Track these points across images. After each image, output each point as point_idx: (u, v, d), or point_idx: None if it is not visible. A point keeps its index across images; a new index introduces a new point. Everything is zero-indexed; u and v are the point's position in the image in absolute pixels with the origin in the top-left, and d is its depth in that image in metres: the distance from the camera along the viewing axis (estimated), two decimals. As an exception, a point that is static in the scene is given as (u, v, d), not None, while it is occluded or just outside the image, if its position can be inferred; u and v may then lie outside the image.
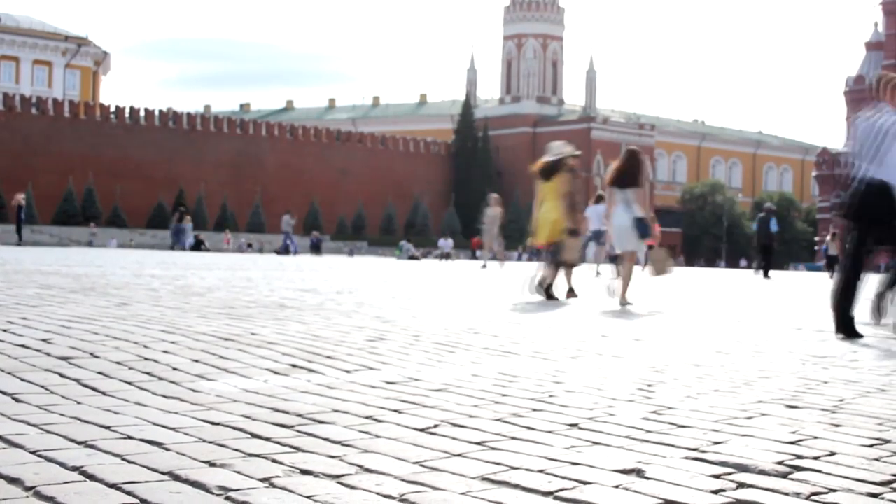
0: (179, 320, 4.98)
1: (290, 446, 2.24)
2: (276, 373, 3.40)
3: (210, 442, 2.25)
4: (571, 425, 2.62)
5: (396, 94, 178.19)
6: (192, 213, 62.98)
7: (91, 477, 1.89)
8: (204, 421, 2.49)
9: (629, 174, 8.84)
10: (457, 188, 79.23)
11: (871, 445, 2.50)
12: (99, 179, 60.88)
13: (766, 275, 23.65)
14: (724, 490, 1.99)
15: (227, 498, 1.79)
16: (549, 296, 8.97)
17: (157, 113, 68.54)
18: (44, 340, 3.88)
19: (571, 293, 9.37)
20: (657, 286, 11.23)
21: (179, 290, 7.72)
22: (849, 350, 5.11)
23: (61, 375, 3.11)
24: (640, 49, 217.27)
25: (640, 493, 1.95)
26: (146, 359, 3.53)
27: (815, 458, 2.31)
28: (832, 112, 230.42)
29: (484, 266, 23.36)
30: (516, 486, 1.96)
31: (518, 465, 2.13)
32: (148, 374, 3.23)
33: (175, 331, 4.44)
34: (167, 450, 2.15)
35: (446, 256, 47.20)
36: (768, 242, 23.79)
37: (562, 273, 9.41)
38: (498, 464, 2.14)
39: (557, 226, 9.19)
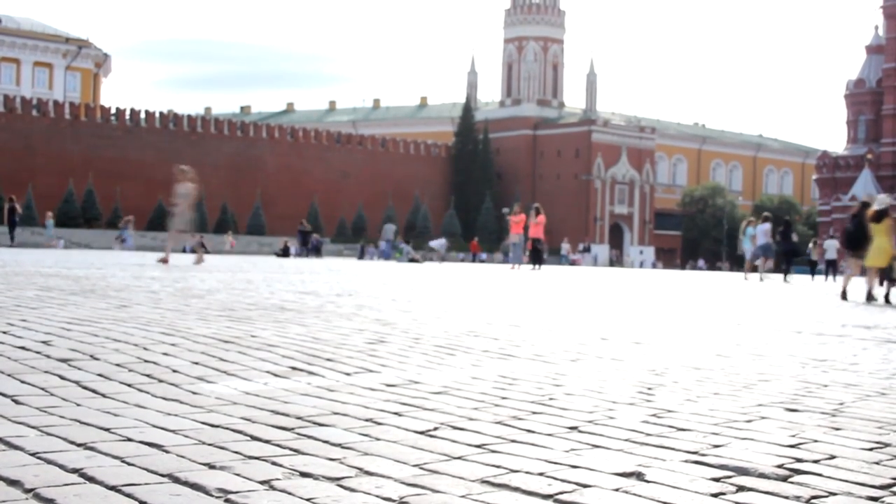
0: (179, 322, 4.98)
1: (290, 449, 2.24)
2: (276, 375, 3.40)
3: (210, 444, 2.25)
4: (571, 428, 2.62)
5: (397, 97, 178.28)
6: (193, 214, 63.13)
7: (91, 479, 1.89)
8: (204, 423, 2.49)
9: None
10: (457, 190, 79.25)
11: (870, 449, 2.51)
12: (99, 181, 60.92)
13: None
14: (723, 493, 1.99)
15: (227, 500, 1.79)
16: (871, 298, 12.84)
17: (157, 115, 68.56)
18: (44, 342, 3.87)
19: (870, 297, 13.04)
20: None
21: (179, 293, 7.73)
22: (849, 353, 5.11)
23: (61, 377, 3.11)
24: (641, 52, 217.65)
25: (639, 496, 1.95)
26: (146, 361, 3.53)
27: (815, 462, 2.32)
28: (833, 115, 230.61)
29: (198, 261, 17.52)
30: (516, 489, 1.96)
31: (518, 467, 2.13)
32: (148, 376, 3.23)
33: (175, 333, 4.45)
34: (167, 452, 2.15)
35: (441, 258, 47.20)
36: None
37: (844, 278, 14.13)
38: (498, 466, 2.14)
39: (887, 254, 13.19)
